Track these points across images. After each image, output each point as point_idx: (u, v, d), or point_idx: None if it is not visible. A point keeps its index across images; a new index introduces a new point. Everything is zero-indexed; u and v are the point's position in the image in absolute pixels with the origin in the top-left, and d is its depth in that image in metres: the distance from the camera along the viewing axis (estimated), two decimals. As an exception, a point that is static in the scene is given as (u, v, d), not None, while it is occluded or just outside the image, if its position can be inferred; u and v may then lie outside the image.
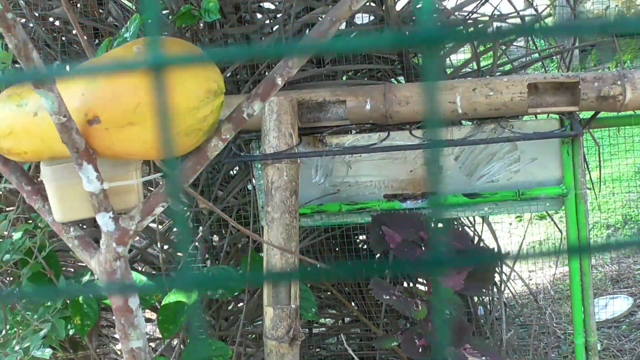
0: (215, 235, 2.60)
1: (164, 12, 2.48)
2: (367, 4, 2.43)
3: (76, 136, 1.21)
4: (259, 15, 2.58)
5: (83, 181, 1.25)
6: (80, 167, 1.23)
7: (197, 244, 2.48)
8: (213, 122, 1.28)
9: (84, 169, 1.23)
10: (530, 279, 3.50)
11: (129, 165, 1.36)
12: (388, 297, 1.90)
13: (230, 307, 2.61)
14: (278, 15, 2.49)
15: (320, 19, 2.37)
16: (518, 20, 2.63)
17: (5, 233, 1.95)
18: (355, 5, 1.23)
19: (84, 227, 2.32)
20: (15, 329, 1.73)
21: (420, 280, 2.21)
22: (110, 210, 1.26)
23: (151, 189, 2.33)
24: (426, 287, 1.99)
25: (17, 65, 1.75)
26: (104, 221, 1.25)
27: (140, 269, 2.66)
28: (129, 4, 2.62)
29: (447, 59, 2.69)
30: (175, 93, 1.27)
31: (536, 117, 2.24)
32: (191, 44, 1.41)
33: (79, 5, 2.46)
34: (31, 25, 2.48)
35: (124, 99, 1.27)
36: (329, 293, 2.62)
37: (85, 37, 1.92)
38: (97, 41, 2.47)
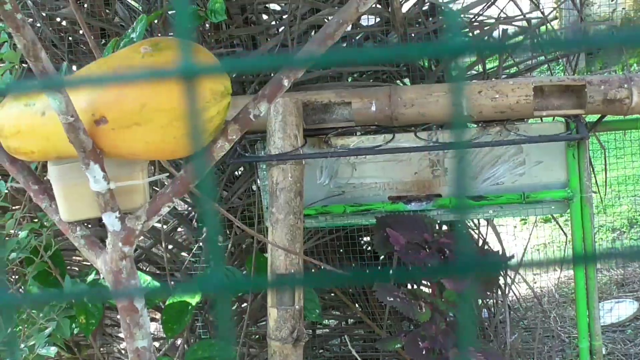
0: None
1: (170, 12, 2.49)
2: (374, 5, 2.43)
3: (83, 136, 1.21)
4: (265, 17, 2.59)
5: (90, 181, 1.25)
6: (87, 167, 1.23)
7: (201, 244, 2.48)
8: (219, 123, 1.29)
9: (91, 168, 1.23)
10: (535, 282, 3.49)
11: (135, 166, 1.36)
12: (392, 299, 1.90)
13: (234, 308, 2.62)
14: (284, 17, 2.49)
15: (326, 20, 2.38)
16: (524, 23, 2.63)
17: (12, 232, 1.96)
18: (362, 8, 1.23)
19: (90, 226, 2.33)
20: (21, 327, 1.74)
21: (424, 282, 2.21)
22: (117, 210, 1.27)
23: (156, 189, 2.34)
24: (430, 290, 1.99)
25: (24, 65, 1.76)
26: (110, 221, 1.25)
27: (144, 268, 2.66)
28: (136, 5, 2.62)
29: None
30: (180, 93, 1.27)
31: (542, 120, 2.24)
32: (197, 44, 1.41)
33: (85, 5, 2.47)
34: (38, 25, 2.49)
35: (130, 99, 1.28)
36: (332, 294, 2.62)
37: (92, 37, 1.93)
38: (103, 41, 2.48)
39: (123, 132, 1.27)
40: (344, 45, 2.54)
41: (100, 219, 1.31)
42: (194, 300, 1.93)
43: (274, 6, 2.61)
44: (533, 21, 2.64)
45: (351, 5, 1.27)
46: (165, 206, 1.27)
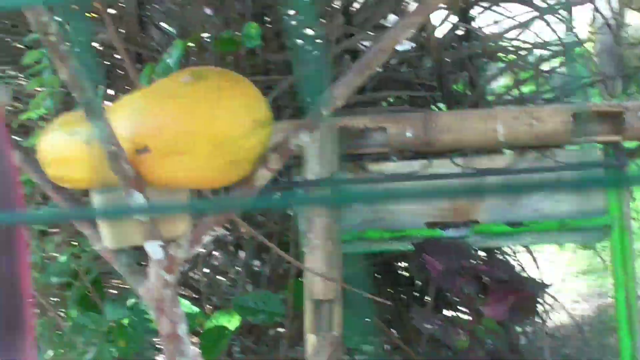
0: (256, 260, 2.62)
1: (206, 36, 2.52)
2: (409, 31, 2.44)
3: (125, 165, 1.23)
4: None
5: (133, 209, 1.27)
6: (130, 196, 1.25)
7: (239, 268, 2.50)
8: (260, 152, 1.30)
9: (133, 197, 1.25)
10: (575, 310, 3.43)
11: (177, 194, 1.38)
12: (429, 325, 1.89)
13: (271, 333, 2.62)
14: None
15: (360, 45, 2.40)
16: (560, 47, 2.62)
17: (52, 255, 1.99)
18: (400, 39, 1.24)
19: (133, 250, 2.35)
20: (62, 351, 1.76)
21: (462, 309, 2.20)
22: (159, 238, 1.28)
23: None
24: (469, 317, 1.98)
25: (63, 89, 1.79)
26: (153, 249, 1.27)
27: (182, 292, 2.68)
28: (171, 30, 2.66)
29: (488, 85, 2.69)
30: (222, 122, 1.29)
31: (580, 147, 2.22)
32: (236, 74, 1.42)
33: (121, 30, 2.51)
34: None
35: (171, 127, 1.29)
36: (369, 320, 2.61)
37: (130, 62, 1.96)
38: (139, 65, 2.52)
39: (164, 161, 1.29)
40: (380, 70, 2.56)
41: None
42: (232, 325, 1.93)
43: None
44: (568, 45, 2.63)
45: (389, 35, 1.28)
46: (207, 234, 1.29)
